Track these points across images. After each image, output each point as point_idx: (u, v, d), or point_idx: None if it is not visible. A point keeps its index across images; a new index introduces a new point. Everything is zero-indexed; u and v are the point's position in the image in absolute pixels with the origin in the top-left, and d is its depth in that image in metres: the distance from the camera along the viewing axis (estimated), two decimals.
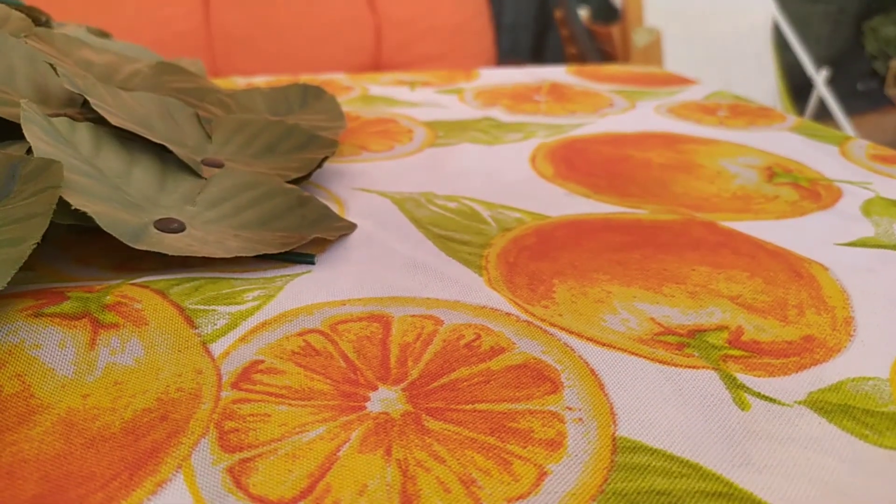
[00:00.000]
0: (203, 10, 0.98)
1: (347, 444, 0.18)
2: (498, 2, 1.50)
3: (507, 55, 1.46)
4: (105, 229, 0.25)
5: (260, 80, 0.61)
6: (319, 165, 0.36)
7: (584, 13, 1.53)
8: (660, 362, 0.22)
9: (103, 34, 0.48)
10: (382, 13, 1.03)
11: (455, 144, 0.45)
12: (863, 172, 0.40)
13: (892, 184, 0.38)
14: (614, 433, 0.19)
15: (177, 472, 0.17)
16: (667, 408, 0.20)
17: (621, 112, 0.53)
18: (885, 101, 1.57)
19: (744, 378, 0.22)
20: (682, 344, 0.23)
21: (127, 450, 0.18)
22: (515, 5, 1.57)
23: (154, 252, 0.28)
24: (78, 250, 0.29)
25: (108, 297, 0.24)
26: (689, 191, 0.37)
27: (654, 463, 0.18)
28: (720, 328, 0.24)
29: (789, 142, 0.46)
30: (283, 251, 0.28)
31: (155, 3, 0.95)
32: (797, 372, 0.22)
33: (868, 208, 0.35)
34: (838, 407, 0.21)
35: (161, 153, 0.33)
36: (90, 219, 0.25)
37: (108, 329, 0.23)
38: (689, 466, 0.18)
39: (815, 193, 0.37)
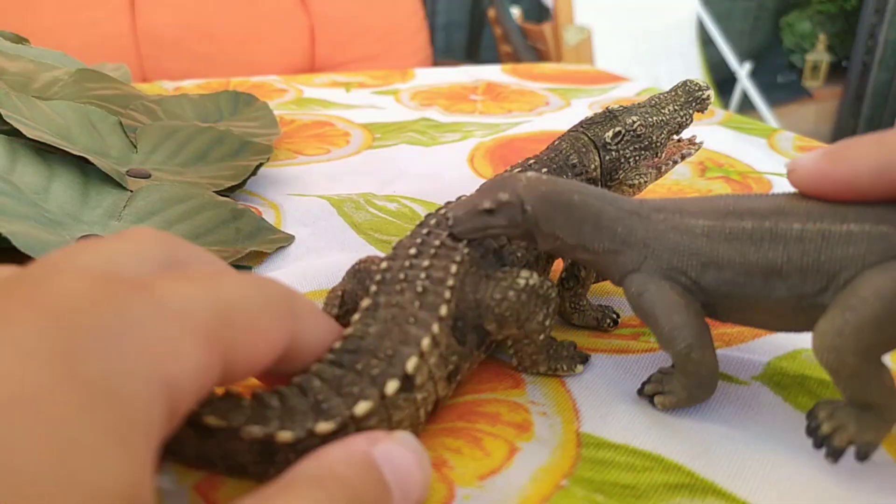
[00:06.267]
0: (129, 12, 0.94)
1: None
2: (431, 2, 1.50)
3: (442, 54, 1.46)
4: (23, 250, 0.24)
5: (189, 84, 0.59)
6: (254, 172, 0.35)
7: (516, 12, 1.54)
8: (616, 352, 0.23)
9: (19, 39, 0.46)
10: (316, 14, 1.01)
11: (393, 146, 0.44)
12: None
13: None
14: (578, 429, 0.19)
15: None
16: (627, 401, 0.20)
17: (557, 110, 0.53)
18: (803, 93, 1.65)
19: None
20: (637, 334, 0.24)
21: None
22: (448, 5, 1.57)
23: None
24: None
25: None
26: None
27: (618, 458, 0.18)
28: None
29: (720, 136, 0.47)
30: None
31: (77, 5, 0.91)
32: (753, 339, 0.23)
33: None
34: (794, 380, 0.21)
35: (83, 165, 0.31)
36: (6, 240, 0.24)
37: None
38: (652, 459, 0.18)
39: (747, 187, 0.38)
